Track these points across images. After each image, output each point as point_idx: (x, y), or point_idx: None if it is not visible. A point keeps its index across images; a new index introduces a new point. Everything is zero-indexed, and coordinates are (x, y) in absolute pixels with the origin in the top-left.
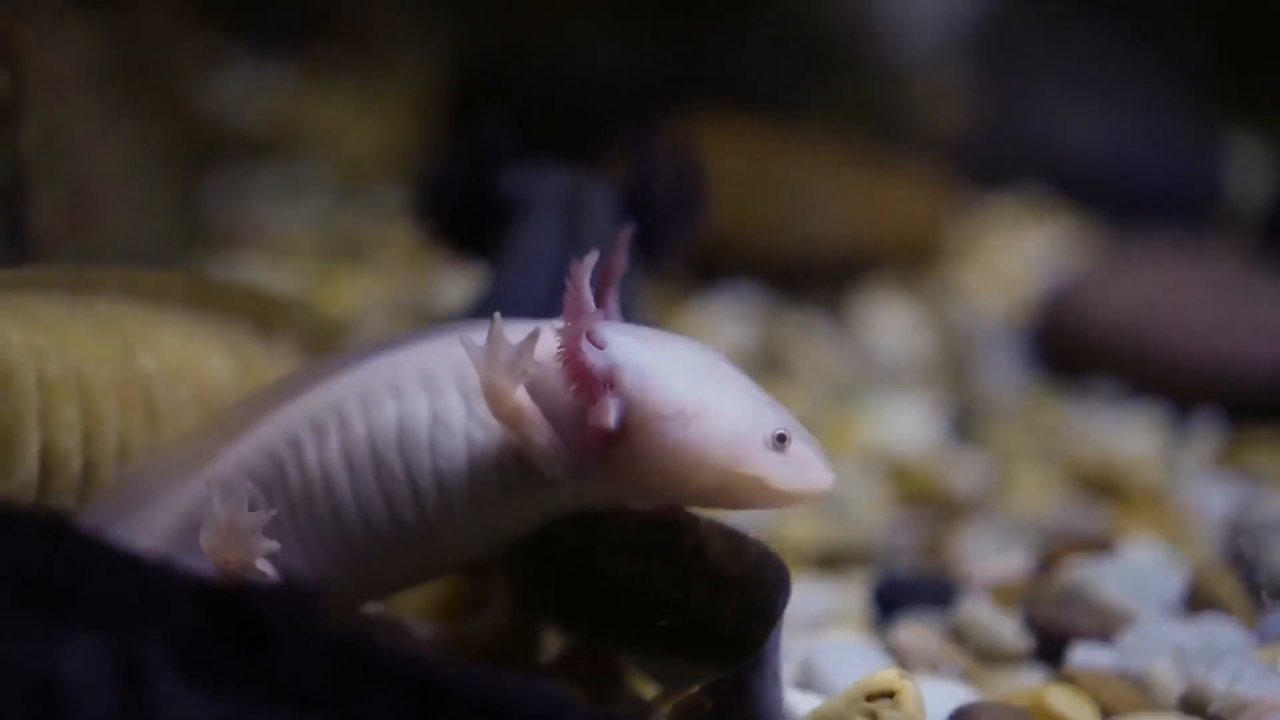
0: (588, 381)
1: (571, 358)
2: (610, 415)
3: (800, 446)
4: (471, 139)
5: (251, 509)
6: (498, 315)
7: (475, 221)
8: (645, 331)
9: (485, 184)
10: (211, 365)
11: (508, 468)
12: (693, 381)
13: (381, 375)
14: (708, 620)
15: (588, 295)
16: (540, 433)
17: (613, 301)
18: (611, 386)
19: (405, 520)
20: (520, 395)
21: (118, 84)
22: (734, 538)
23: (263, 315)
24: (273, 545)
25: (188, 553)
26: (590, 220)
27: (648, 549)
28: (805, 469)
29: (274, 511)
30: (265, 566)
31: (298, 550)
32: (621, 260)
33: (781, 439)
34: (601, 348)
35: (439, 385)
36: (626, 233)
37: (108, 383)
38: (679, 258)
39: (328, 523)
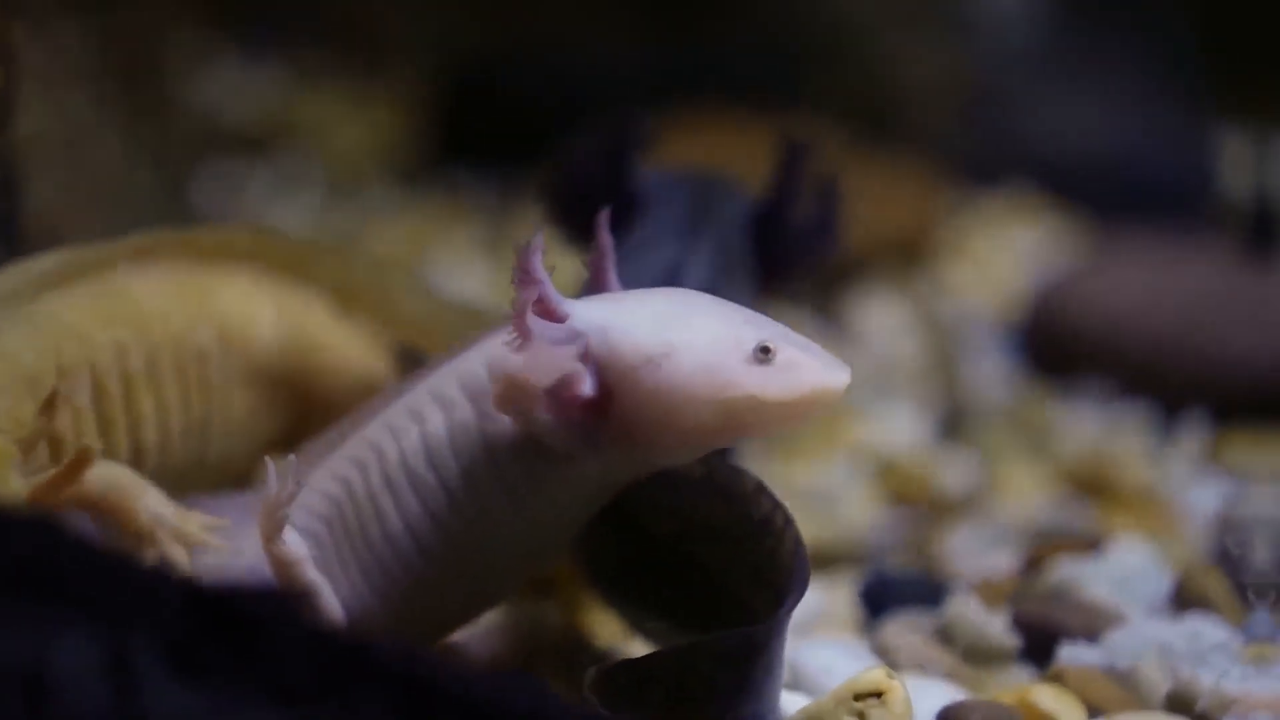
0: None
1: (520, 328)
2: (584, 383)
3: (791, 352)
4: (607, 133)
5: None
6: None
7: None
8: (616, 295)
9: (617, 180)
10: (260, 334)
11: (525, 449)
12: (655, 324)
13: (403, 405)
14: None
15: (536, 264)
16: (545, 408)
17: (613, 278)
18: (583, 355)
19: (444, 521)
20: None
21: (109, 80)
22: (801, 552)
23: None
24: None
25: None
26: (711, 231)
27: (740, 540)
28: (799, 372)
29: (302, 480)
30: (295, 541)
31: (362, 586)
32: (607, 236)
33: (765, 351)
34: (564, 320)
35: (450, 399)
36: (605, 214)
37: (172, 364)
38: (799, 282)
39: (381, 547)
